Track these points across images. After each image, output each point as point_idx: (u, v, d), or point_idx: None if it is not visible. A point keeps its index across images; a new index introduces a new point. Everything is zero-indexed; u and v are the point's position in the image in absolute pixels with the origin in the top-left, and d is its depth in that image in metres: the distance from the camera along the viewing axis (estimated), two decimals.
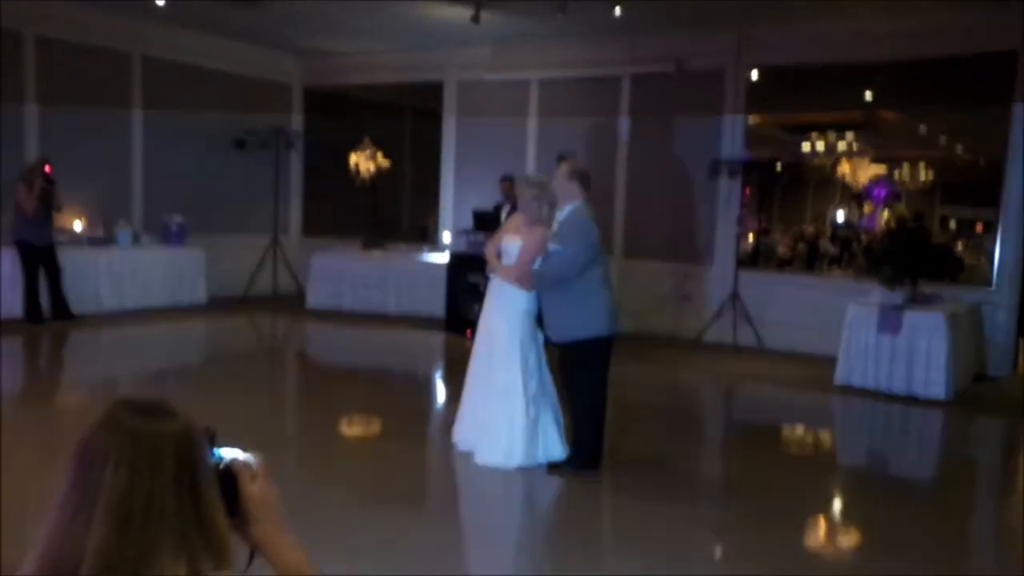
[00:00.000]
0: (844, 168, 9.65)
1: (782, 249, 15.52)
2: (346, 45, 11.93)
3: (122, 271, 10.09)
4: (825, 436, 6.91)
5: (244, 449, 1.30)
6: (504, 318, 4.95)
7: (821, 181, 15.11)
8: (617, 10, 8.25)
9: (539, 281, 4.83)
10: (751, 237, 14.38)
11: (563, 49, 10.62)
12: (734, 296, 9.59)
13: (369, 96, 13.00)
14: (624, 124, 10.44)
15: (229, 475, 1.25)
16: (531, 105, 11.08)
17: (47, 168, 8.81)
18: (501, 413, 4.88)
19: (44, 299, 9.03)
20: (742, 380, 8.19)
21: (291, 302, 11.39)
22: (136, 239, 10.49)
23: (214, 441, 1.25)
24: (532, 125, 11.08)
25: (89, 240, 9.97)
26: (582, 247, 4.76)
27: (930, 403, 7.03)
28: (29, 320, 8.83)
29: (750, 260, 12.39)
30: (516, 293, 4.95)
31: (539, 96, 11.03)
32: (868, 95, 10.11)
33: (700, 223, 10.05)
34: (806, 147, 11.96)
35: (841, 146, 11.16)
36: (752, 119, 10.43)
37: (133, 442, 1.11)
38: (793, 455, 6.33)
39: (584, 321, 4.76)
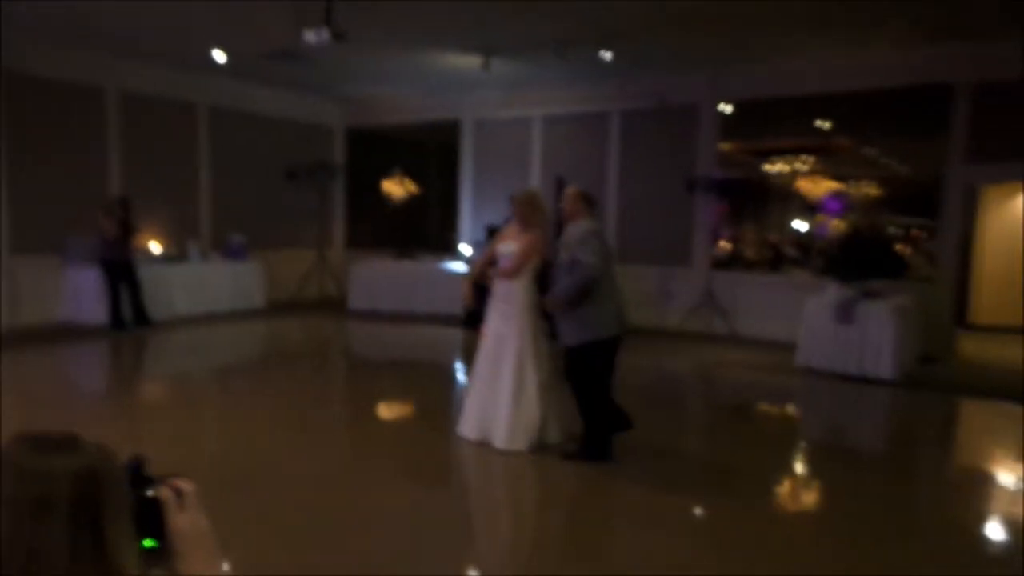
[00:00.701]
0: (802, 185, 9.54)
1: (750, 253, 15.44)
2: (380, 91, 11.95)
3: (192, 283, 10.09)
4: (788, 411, 6.76)
5: (178, 477, 1.09)
6: (509, 316, 4.73)
7: (784, 196, 15.01)
8: (608, 55, 8.19)
9: (568, 292, 4.41)
10: (727, 244, 14.33)
11: (562, 90, 10.57)
12: (708, 293, 9.51)
13: (401, 133, 13.00)
14: (614, 152, 10.38)
15: (155, 507, 1.04)
16: (535, 137, 11.02)
17: (124, 200, 8.90)
18: (514, 402, 4.66)
19: (127, 309, 9.08)
20: (715, 365, 8.02)
21: (335, 305, 11.38)
22: (204, 255, 10.51)
23: (141, 471, 1.05)
24: (536, 154, 11.03)
25: (165, 258, 9.99)
26: (599, 258, 4.45)
27: (879, 382, 6.91)
28: (113, 327, 8.84)
29: (726, 263, 12.30)
30: (516, 291, 4.73)
31: (542, 129, 10.98)
32: (823, 122, 10.00)
33: (679, 232, 9.96)
34: (770, 168, 11.87)
35: (799, 167, 11.03)
36: (725, 145, 10.39)
37: (18, 481, 0.90)
38: (759, 428, 6.21)
39: (592, 326, 4.47)
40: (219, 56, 9.22)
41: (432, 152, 13.59)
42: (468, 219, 11.91)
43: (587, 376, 4.54)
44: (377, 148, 13.01)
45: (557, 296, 4.48)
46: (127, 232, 8.81)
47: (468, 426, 4.90)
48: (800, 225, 16.28)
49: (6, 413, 4.70)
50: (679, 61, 9.22)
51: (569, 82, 10.38)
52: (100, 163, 9.74)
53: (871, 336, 6.95)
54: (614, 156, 10.38)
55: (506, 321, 4.73)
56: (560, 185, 10.26)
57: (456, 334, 9.46)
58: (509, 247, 4.77)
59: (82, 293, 9.11)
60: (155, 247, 10.14)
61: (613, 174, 10.40)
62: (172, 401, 6.52)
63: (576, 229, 4.53)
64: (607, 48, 8.11)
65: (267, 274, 11.19)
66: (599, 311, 4.47)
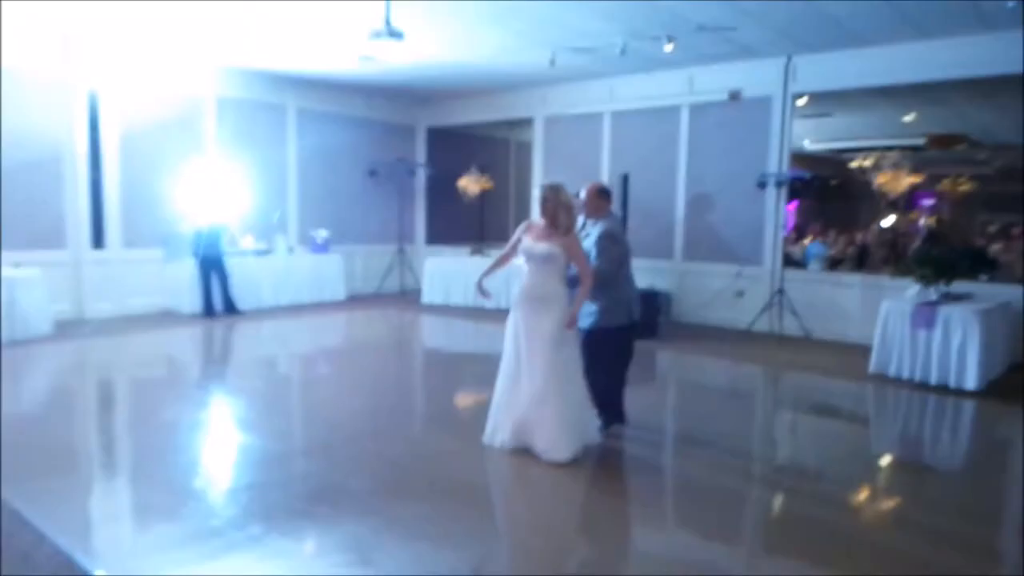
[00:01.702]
0: (882, 180, 8.57)
1: (835, 251, 14.29)
2: (459, 91, 11.73)
3: (279, 275, 10.21)
4: (857, 422, 6.02)
5: None
6: (547, 319, 4.24)
7: (871, 193, 13.79)
8: (670, 47, 7.60)
9: (599, 278, 4.41)
10: (808, 240, 13.31)
11: (631, 85, 10.02)
12: (779, 292, 8.74)
13: (478, 131, 12.79)
14: (683, 147, 9.73)
15: None
16: (604, 133, 10.51)
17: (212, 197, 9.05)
18: (562, 409, 4.19)
19: (217, 299, 9.27)
20: (781, 367, 7.27)
21: (413, 298, 11.29)
22: (290, 250, 10.63)
23: None
24: (605, 149, 10.52)
25: (255, 252, 10.15)
26: (621, 250, 4.61)
27: (962, 393, 6.05)
28: (205, 315, 9.06)
29: (804, 262, 11.39)
30: (553, 285, 4.29)
31: (611, 126, 10.45)
32: (911, 114, 8.99)
33: (750, 229, 9.20)
34: (860, 164, 10.82)
35: (885, 160, 9.99)
36: (810, 140, 9.60)
37: None
38: (824, 440, 5.54)
39: (610, 312, 4.56)
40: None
41: (512, 149, 13.32)
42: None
43: (606, 356, 4.60)
44: (455, 146, 12.85)
45: (595, 275, 4.41)
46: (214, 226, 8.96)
47: (506, 435, 4.37)
48: (891, 222, 14.99)
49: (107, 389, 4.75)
50: (750, 51, 8.49)
51: (638, 76, 9.82)
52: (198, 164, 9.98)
53: (953, 342, 6.10)
54: (683, 151, 9.72)
55: (540, 317, 4.26)
56: (625, 183, 9.75)
57: None
58: (543, 247, 4.28)
59: (181, 283, 9.36)
60: (247, 241, 10.32)
61: (682, 169, 9.75)
62: (250, 381, 6.61)
63: (596, 231, 4.58)
64: (671, 40, 7.52)
65: (349, 267, 11.24)
66: (618, 298, 4.59)
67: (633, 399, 4.95)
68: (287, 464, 4.29)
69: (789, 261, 10.95)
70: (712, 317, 9.46)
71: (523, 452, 4.29)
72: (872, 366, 6.58)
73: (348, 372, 7.11)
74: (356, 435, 4.84)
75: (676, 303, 9.86)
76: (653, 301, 8.86)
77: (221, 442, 4.83)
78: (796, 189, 9.21)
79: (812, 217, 15.43)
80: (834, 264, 12.74)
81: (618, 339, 4.64)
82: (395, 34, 6.41)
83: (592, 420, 4.46)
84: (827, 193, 14.48)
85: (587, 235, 4.60)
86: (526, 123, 11.62)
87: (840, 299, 8.54)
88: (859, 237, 14.69)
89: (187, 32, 7.98)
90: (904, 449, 5.16)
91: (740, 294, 9.29)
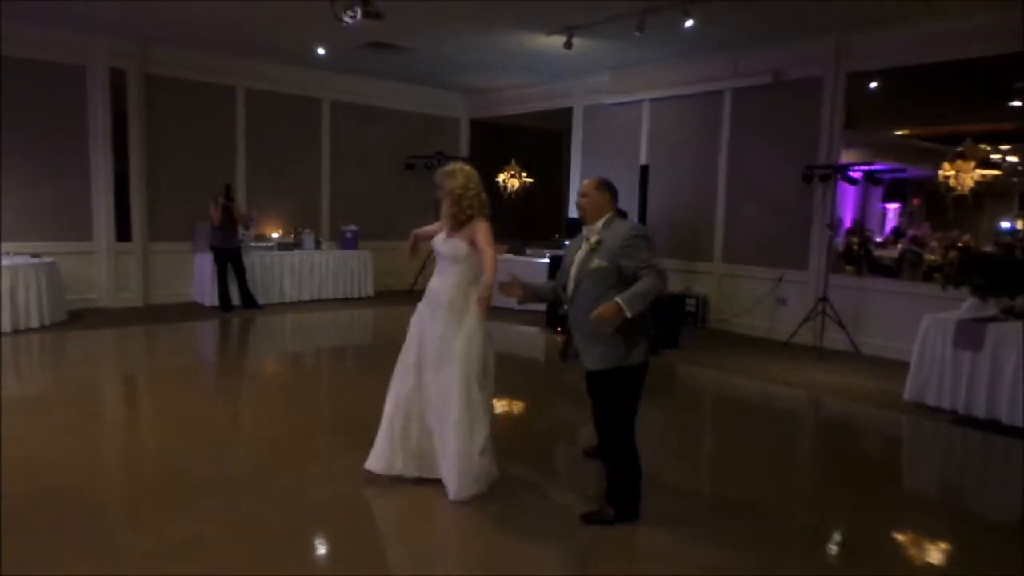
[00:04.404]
0: (947, 170, 7.30)
1: (932, 257, 12.70)
2: (498, 81, 11.30)
3: (302, 270, 10.14)
4: (881, 462, 5.05)
5: None
6: (456, 334, 3.57)
7: (980, 192, 12.09)
8: (689, 22, 6.79)
9: (641, 307, 3.11)
10: (901, 244, 11.90)
11: (671, 71, 9.19)
12: (823, 300, 7.70)
13: (518, 123, 12.30)
14: (725, 135, 8.81)
15: None
16: (643, 122, 9.73)
17: (228, 188, 9.03)
18: (467, 435, 3.55)
19: (235, 292, 9.28)
20: (807, 389, 6.25)
21: None
22: (318, 244, 10.55)
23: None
24: (644, 139, 9.73)
25: (279, 245, 10.13)
26: (655, 254, 3.23)
27: (1015, 431, 4.96)
28: (222, 308, 9.09)
29: (896, 267, 10.12)
30: (463, 287, 3.63)
31: (650, 113, 9.66)
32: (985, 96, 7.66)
33: (795, 227, 8.17)
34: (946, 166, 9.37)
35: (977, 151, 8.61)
36: (901, 129, 8.44)
37: None
38: (842, 483, 4.65)
39: (638, 343, 3.25)
40: (320, 51, 9.13)
41: (547, 141, 12.73)
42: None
43: (622, 409, 3.34)
44: (496, 139, 12.42)
45: (631, 301, 3.07)
46: (231, 219, 8.96)
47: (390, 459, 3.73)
48: (1006, 224, 13.18)
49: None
50: (798, 28, 7.51)
51: (677, 61, 9.00)
52: (229, 157, 10.08)
53: (1006, 367, 5.01)
54: (725, 139, 8.80)
55: (447, 330, 3.59)
56: (644, 174, 8.94)
57: (535, 333, 8.58)
58: (448, 244, 3.68)
59: (203, 276, 9.47)
60: (275, 234, 10.34)
61: (723, 159, 8.83)
62: (259, 377, 6.54)
63: (621, 229, 3.27)
64: (694, 15, 6.71)
65: (383, 264, 11.04)
66: (646, 327, 3.28)
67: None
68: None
69: (876, 267, 9.73)
70: (751, 326, 8.53)
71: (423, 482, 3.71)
72: (907, 392, 5.56)
73: (310, 375, 6.83)
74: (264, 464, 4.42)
75: (713, 310, 8.97)
76: (675, 307, 8.06)
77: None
78: (893, 187, 8.04)
79: (921, 218, 13.82)
80: (932, 272, 11.26)
81: (638, 381, 3.34)
82: (371, 14, 6.04)
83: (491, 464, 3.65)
84: (931, 192, 12.88)
85: (592, 244, 3.30)
86: (566, 114, 11.00)
87: (895, 310, 7.40)
88: (965, 240, 13.02)
89: (220, 22, 7.98)
90: (935, 508, 4.22)
91: (782, 301, 8.30)
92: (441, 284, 3.71)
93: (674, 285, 9.22)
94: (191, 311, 9.14)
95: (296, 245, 10.26)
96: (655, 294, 3.11)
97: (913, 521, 3.71)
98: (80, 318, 8.27)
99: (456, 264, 3.67)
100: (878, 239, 13.81)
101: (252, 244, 9.71)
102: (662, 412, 5.80)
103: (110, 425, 4.99)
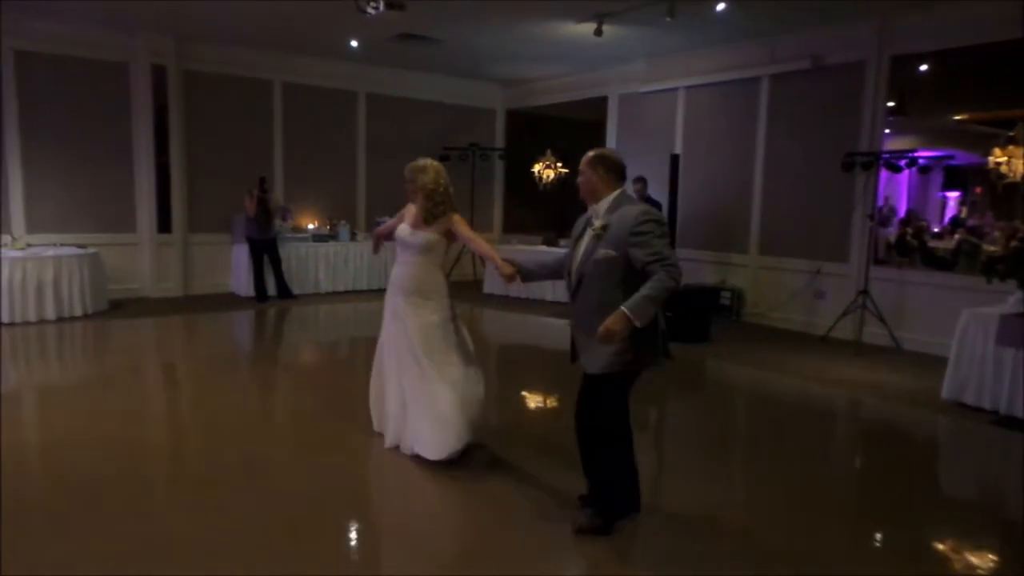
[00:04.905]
0: (998, 156, 6.89)
1: (992, 248, 12.07)
2: (533, 72, 11.22)
3: (337, 261, 10.28)
4: (915, 466, 4.80)
5: None
6: (426, 312, 3.87)
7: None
8: (720, 6, 6.58)
9: (656, 303, 2.81)
10: (958, 236, 11.35)
11: (707, 57, 8.95)
12: (863, 293, 7.40)
13: (554, 113, 12.17)
14: (763, 123, 8.54)
15: None
16: (679, 110, 9.51)
17: (262, 181, 9.20)
18: (433, 408, 3.82)
19: (271, 282, 9.46)
20: (839, 386, 6.02)
21: (476, 289, 10.95)
22: (353, 235, 10.67)
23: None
24: (679, 127, 9.51)
25: (314, 236, 10.28)
26: (668, 244, 2.89)
27: None
28: (257, 298, 9.28)
29: (952, 259, 9.64)
30: (433, 273, 3.94)
31: (685, 101, 9.43)
32: None
33: (836, 217, 7.88)
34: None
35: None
36: (959, 114, 8.03)
37: None
38: (872, 491, 4.45)
39: (646, 345, 2.95)
40: (352, 43, 9.20)
41: (584, 131, 12.58)
42: None
43: (618, 412, 3.09)
44: (533, 129, 12.33)
45: (641, 309, 2.76)
46: (266, 211, 9.13)
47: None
48: None
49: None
50: (839, 10, 7.21)
51: (713, 47, 8.77)
52: (266, 150, 10.28)
53: None
54: (762, 127, 8.53)
55: (417, 311, 3.86)
56: (674, 163, 8.73)
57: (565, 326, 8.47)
58: (420, 236, 3.91)
59: (240, 267, 9.68)
60: (311, 226, 10.50)
61: (760, 147, 8.57)
62: (295, 363, 6.70)
63: (630, 212, 2.90)
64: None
65: None
66: (656, 326, 2.95)
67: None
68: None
69: (931, 259, 9.28)
70: (788, 320, 8.27)
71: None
72: (945, 390, 5.29)
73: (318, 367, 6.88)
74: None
75: (749, 303, 8.73)
76: (707, 300, 7.87)
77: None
78: (953, 175, 7.66)
79: (985, 207, 13.17)
80: (992, 264, 10.67)
81: (630, 384, 3.09)
82: (394, 5, 6.04)
83: (475, 418, 3.88)
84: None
85: (596, 229, 2.96)
86: (602, 102, 10.84)
87: (941, 304, 7.04)
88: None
89: (253, 19, 8.12)
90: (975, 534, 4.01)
91: (820, 295, 8.02)
92: (410, 272, 3.94)
93: (708, 277, 9.02)
94: (228, 301, 9.37)
95: (332, 237, 10.39)
96: (667, 295, 2.78)
97: (949, 529, 3.52)
98: (121, 307, 8.57)
99: (425, 254, 3.91)
100: (935, 229, 13.20)
101: (288, 236, 9.88)
102: (680, 409, 5.68)
103: (151, 409, 5.13)
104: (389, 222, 4.23)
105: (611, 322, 2.76)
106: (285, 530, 3.13)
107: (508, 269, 3.48)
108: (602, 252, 2.91)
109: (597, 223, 2.97)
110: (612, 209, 2.95)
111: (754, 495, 3.85)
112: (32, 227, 8.56)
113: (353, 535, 3.25)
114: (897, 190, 10.10)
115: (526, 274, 3.51)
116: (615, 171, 3.03)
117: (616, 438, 3.12)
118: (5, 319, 7.40)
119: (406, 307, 3.88)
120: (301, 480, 3.72)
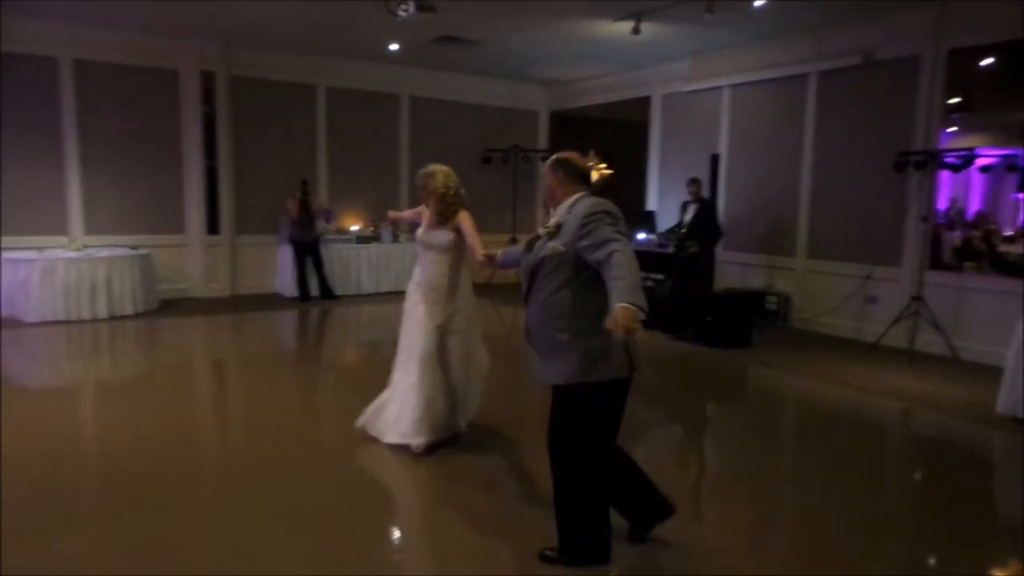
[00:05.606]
0: None
1: None
2: (575, 73, 11.13)
3: (379, 262, 10.39)
4: (959, 481, 4.52)
5: None
6: (438, 309, 4.13)
7: None
8: (759, 1, 6.36)
9: (641, 291, 2.50)
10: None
11: (753, 54, 8.69)
12: (917, 299, 7.04)
13: (598, 114, 12.04)
14: (810, 121, 8.23)
15: None
16: (723, 109, 9.25)
17: (304, 184, 9.36)
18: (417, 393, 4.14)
19: (314, 283, 9.63)
20: (885, 396, 5.71)
21: (515, 291, 10.88)
22: (395, 237, 10.76)
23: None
24: (724, 127, 9.26)
25: (357, 238, 10.41)
26: (621, 232, 2.66)
27: None
28: (300, 299, 9.45)
29: (1021, 263, 9.11)
30: (448, 273, 4.13)
31: (730, 100, 9.17)
32: None
33: (888, 220, 7.54)
34: None
35: None
36: None
37: None
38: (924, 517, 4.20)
39: (599, 359, 2.69)
40: (392, 46, 9.27)
41: (629, 132, 12.40)
42: (655, 201, 10.55)
43: (574, 434, 2.78)
44: (576, 131, 12.21)
45: (632, 295, 2.45)
46: (309, 213, 9.29)
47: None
48: None
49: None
50: (891, 2, 6.88)
51: (758, 44, 8.52)
52: (310, 154, 10.46)
53: None
54: (810, 125, 8.23)
55: (431, 307, 4.12)
56: (714, 164, 8.49)
57: None
58: (440, 237, 4.09)
59: (284, 268, 9.89)
60: (354, 227, 10.64)
61: (808, 146, 8.26)
62: (333, 360, 6.86)
63: (583, 205, 2.73)
64: None
65: None
66: (607, 339, 2.61)
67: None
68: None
69: (1000, 264, 8.81)
70: (837, 326, 7.95)
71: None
72: (1000, 405, 4.98)
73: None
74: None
75: (796, 308, 8.43)
76: (750, 304, 7.64)
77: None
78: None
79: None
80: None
81: (603, 404, 2.76)
82: (425, 8, 6.05)
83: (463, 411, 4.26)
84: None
85: (549, 228, 2.83)
86: (645, 103, 10.66)
87: (1002, 312, 6.62)
88: None
89: (294, 24, 8.28)
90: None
91: (871, 300, 7.68)
92: (427, 272, 4.14)
93: (754, 281, 8.76)
94: (272, 301, 9.57)
95: (374, 238, 10.51)
96: (637, 271, 2.52)
97: (995, 555, 3.30)
98: (171, 306, 8.85)
99: (445, 253, 4.10)
100: (1007, 232, 12.48)
101: (331, 237, 10.03)
102: (708, 416, 5.51)
103: (199, 405, 5.27)
104: (406, 212, 4.60)
105: (619, 319, 2.42)
106: (320, 526, 3.15)
107: (481, 256, 3.70)
108: (549, 246, 2.78)
109: (551, 221, 2.87)
110: (569, 209, 2.82)
111: (797, 515, 3.68)
112: (90, 229, 8.93)
113: (396, 534, 3.29)
114: (968, 192, 9.58)
115: (501, 263, 3.59)
116: (575, 174, 2.93)
117: (583, 472, 2.77)
118: (61, 317, 7.74)
119: (421, 305, 4.10)
120: (336, 476, 3.83)
